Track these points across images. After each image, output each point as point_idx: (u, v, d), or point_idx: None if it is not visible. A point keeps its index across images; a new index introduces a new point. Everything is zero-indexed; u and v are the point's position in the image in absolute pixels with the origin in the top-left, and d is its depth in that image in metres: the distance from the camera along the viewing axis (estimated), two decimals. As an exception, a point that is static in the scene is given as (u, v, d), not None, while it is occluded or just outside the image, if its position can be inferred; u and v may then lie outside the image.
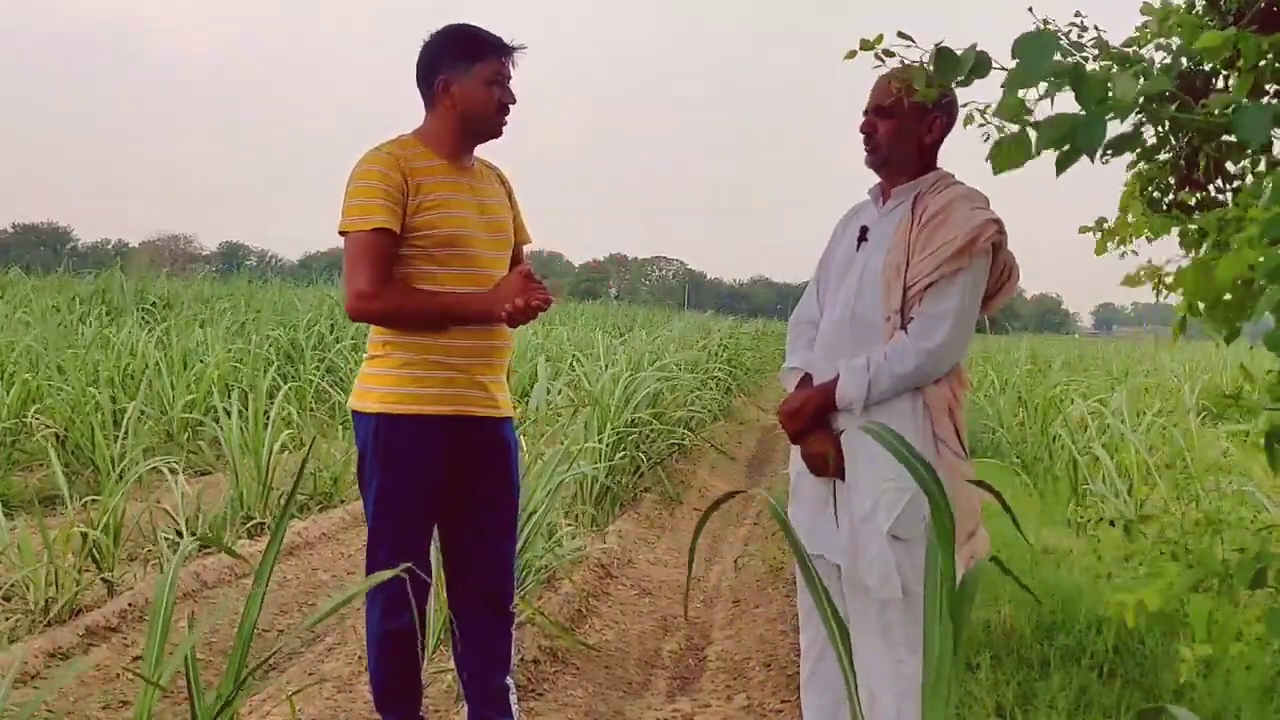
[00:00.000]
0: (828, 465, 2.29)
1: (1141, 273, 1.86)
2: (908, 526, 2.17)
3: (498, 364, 2.63)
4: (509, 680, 2.73)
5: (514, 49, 2.60)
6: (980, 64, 1.25)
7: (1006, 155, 1.27)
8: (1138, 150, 2.28)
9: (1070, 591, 3.81)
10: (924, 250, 2.22)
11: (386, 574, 1.80)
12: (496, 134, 2.63)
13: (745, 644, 3.93)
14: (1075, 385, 9.82)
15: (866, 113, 2.33)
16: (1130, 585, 3.61)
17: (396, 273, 2.52)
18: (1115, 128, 1.27)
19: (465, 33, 2.58)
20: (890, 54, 1.57)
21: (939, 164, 2.36)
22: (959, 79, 1.30)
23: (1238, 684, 2.91)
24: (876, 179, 2.40)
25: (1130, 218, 2.29)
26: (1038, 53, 1.18)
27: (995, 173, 1.30)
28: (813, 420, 2.31)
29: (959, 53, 1.32)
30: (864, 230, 2.37)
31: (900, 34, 1.72)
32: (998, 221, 2.23)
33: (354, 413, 2.61)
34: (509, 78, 2.59)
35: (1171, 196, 2.39)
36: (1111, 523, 4.23)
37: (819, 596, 1.43)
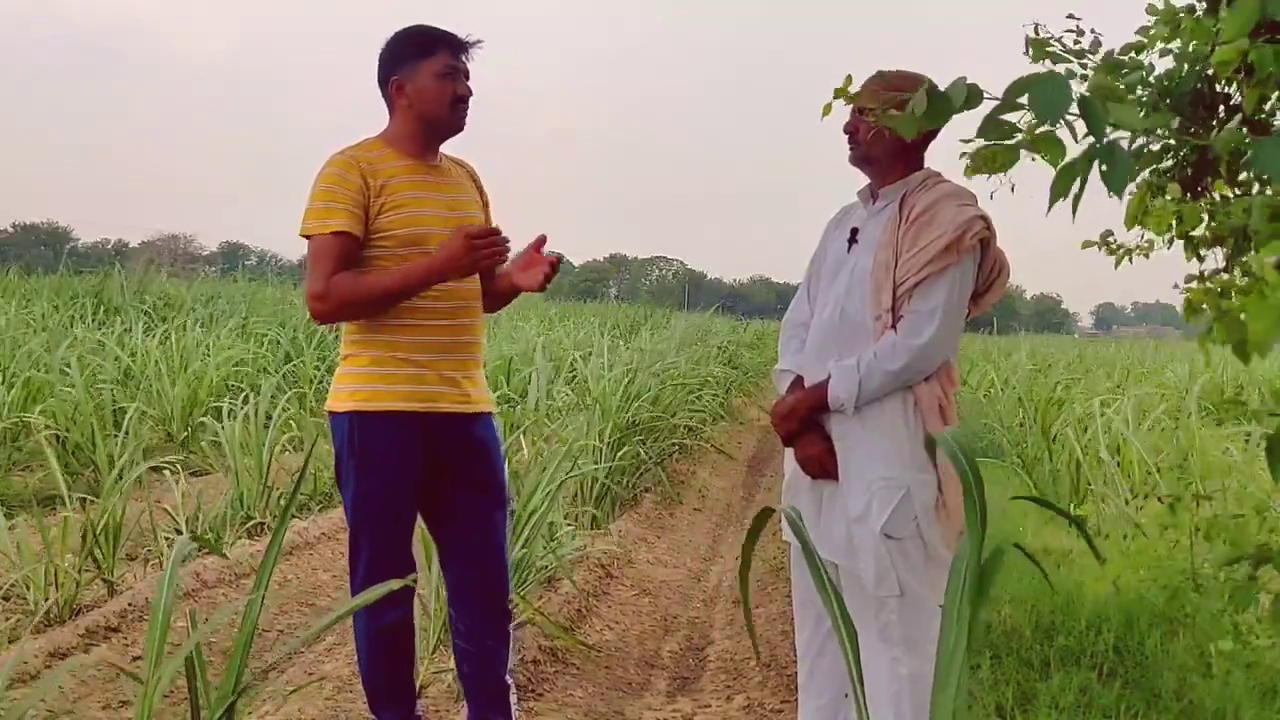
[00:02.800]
0: (821, 466, 2.29)
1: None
2: (901, 525, 2.18)
3: (468, 359, 2.61)
4: (509, 679, 2.72)
5: (469, 44, 2.57)
6: (972, 96, 1.22)
7: (1063, 186, 1.23)
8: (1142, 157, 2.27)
9: (1070, 591, 3.80)
10: (912, 248, 2.22)
11: (394, 583, 1.80)
12: (457, 128, 2.61)
13: (745, 644, 3.93)
14: (1076, 385, 9.81)
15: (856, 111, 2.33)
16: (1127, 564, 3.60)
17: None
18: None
19: (413, 31, 2.57)
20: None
21: (927, 164, 2.36)
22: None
23: (1237, 684, 2.91)
24: (866, 180, 2.40)
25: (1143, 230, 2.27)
26: (1052, 98, 1.16)
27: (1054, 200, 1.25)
28: (805, 422, 2.31)
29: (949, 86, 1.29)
30: (854, 232, 2.37)
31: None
32: (985, 218, 2.22)
33: (330, 414, 2.61)
34: (464, 72, 2.56)
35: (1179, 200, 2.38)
36: (1160, 499, 4.18)
37: (823, 584, 1.41)
